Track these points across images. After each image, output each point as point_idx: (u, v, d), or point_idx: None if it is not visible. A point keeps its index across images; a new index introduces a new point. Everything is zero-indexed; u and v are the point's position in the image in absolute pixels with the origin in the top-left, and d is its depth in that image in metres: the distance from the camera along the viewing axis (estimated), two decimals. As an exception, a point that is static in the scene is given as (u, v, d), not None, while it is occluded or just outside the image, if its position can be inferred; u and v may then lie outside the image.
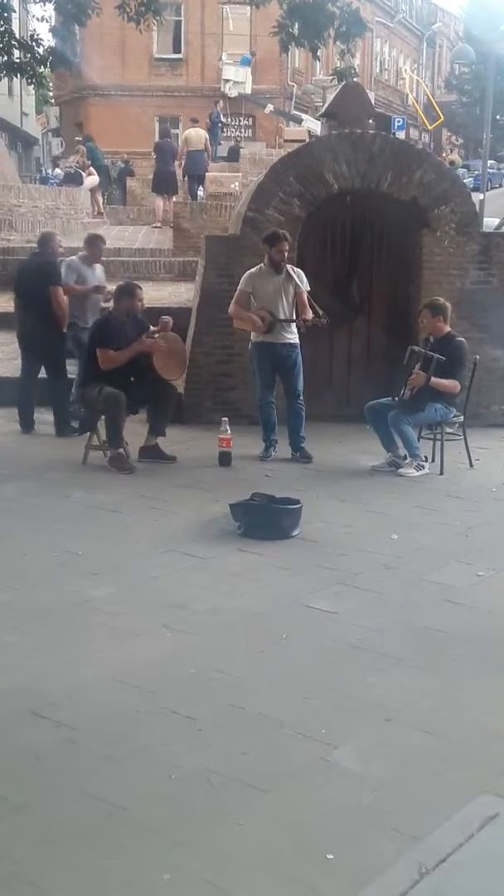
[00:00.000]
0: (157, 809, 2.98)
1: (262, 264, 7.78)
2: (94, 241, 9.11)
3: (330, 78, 14.14)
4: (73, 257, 8.98)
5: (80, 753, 3.31)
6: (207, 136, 20.61)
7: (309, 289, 7.71)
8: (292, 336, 7.74)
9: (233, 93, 34.79)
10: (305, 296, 7.65)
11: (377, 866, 2.71)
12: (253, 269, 7.82)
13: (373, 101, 20.14)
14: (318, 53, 12.17)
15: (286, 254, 7.73)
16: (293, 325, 7.71)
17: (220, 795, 3.07)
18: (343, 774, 3.21)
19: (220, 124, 26.82)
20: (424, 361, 7.31)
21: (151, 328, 7.61)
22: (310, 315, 7.61)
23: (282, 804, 3.03)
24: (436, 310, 7.54)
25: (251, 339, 7.85)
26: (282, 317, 7.64)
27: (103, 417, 7.39)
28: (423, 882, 2.63)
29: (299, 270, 7.81)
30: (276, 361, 7.77)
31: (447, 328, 7.57)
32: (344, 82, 11.43)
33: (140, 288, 7.80)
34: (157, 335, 7.52)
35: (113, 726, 3.48)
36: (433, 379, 7.25)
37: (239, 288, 7.80)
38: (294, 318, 7.68)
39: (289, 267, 7.74)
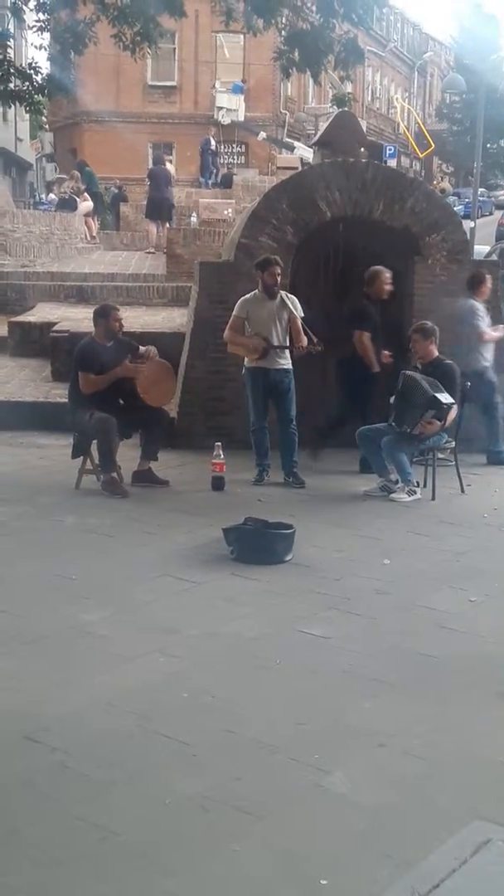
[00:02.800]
0: (151, 835, 2.98)
1: (256, 290, 7.84)
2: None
3: (329, 105, 14.32)
4: None
5: (73, 778, 3.30)
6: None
7: (303, 315, 7.77)
8: (285, 362, 7.79)
9: (226, 120, 35.07)
10: (299, 322, 7.70)
11: (371, 892, 2.71)
12: (247, 295, 7.87)
13: (365, 130, 20.38)
14: (315, 79, 12.31)
15: (279, 278, 7.79)
16: (287, 351, 7.76)
17: (213, 821, 3.07)
18: (336, 800, 3.22)
19: (210, 151, 26.98)
20: (436, 408, 7.27)
21: (141, 349, 7.63)
22: (304, 341, 7.67)
23: (275, 830, 3.04)
24: (426, 333, 7.61)
25: (245, 365, 7.90)
26: (275, 342, 7.70)
27: (95, 442, 7.41)
28: (416, 908, 2.64)
29: (293, 297, 7.87)
30: (269, 387, 7.81)
31: (436, 352, 7.64)
32: (338, 110, 11.57)
33: (116, 309, 7.79)
34: (142, 362, 7.53)
35: (106, 751, 3.48)
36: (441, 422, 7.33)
37: (233, 313, 7.86)
38: (288, 344, 7.73)
39: (283, 293, 7.80)
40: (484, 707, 3.96)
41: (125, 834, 2.98)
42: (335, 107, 11.65)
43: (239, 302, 7.86)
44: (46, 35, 12.67)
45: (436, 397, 7.24)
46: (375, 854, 2.90)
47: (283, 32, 11.36)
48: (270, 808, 3.14)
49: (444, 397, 7.25)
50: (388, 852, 2.90)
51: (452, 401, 7.32)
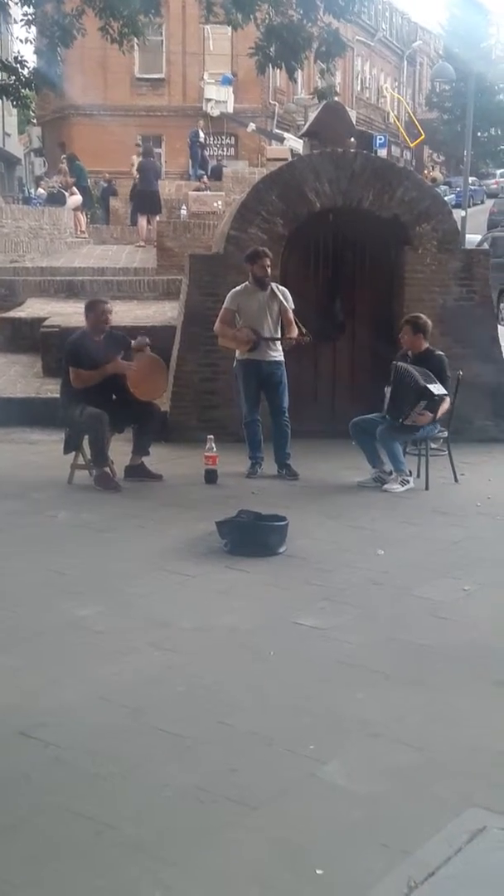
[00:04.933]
0: (147, 828, 2.99)
1: (246, 283, 7.82)
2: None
3: (311, 96, 14.26)
4: None
5: (68, 773, 3.30)
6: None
7: (293, 307, 7.76)
8: (277, 354, 7.78)
9: (215, 112, 35.01)
10: (290, 314, 7.69)
11: (367, 881, 2.72)
12: (238, 287, 7.86)
13: (354, 120, 20.35)
14: (297, 74, 12.24)
15: (269, 269, 7.77)
16: (278, 343, 7.75)
17: (209, 813, 3.07)
18: (332, 790, 3.22)
19: (198, 143, 26.88)
20: (428, 400, 7.28)
21: (134, 342, 7.61)
22: (294, 333, 7.66)
23: (271, 821, 3.04)
24: (417, 327, 7.60)
25: (236, 357, 7.89)
26: (266, 335, 7.69)
27: (87, 437, 7.40)
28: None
29: (284, 289, 7.86)
30: (261, 379, 7.81)
31: (426, 344, 7.64)
32: (325, 102, 11.54)
33: (104, 302, 7.75)
34: (135, 355, 7.52)
35: (101, 745, 3.48)
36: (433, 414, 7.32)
37: (224, 306, 7.84)
38: (279, 335, 7.73)
39: (273, 285, 7.79)
40: (478, 696, 3.97)
41: (121, 827, 2.98)
42: (317, 99, 11.59)
43: (229, 294, 7.85)
44: (33, 29, 12.61)
45: (427, 388, 7.24)
46: (371, 843, 2.91)
47: (261, 27, 11.29)
48: (266, 798, 3.15)
49: (437, 388, 7.26)
50: (383, 841, 2.91)
51: (444, 392, 7.32)
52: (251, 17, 10.99)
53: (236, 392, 8.09)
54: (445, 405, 7.44)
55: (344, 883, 2.74)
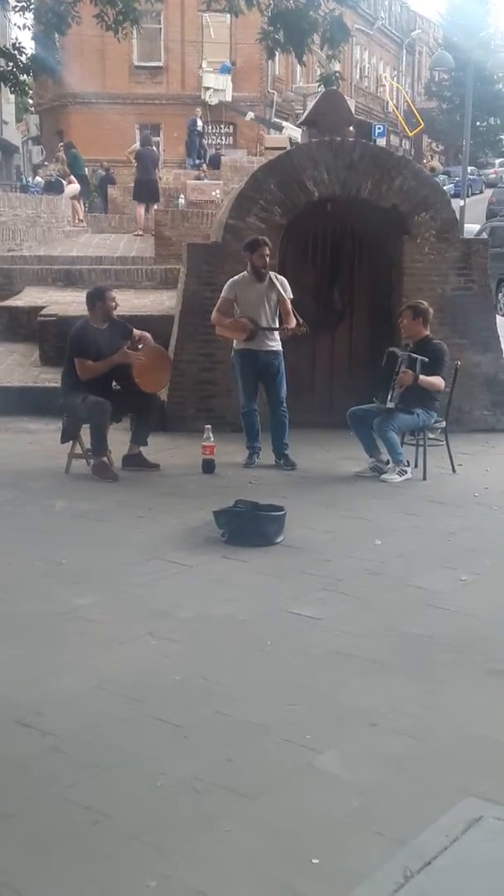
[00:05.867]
0: (143, 817, 2.99)
1: (245, 272, 7.80)
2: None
3: (317, 84, 14.20)
4: None
5: (65, 762, 3.31)
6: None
7: (292, 297, 7.74)
8: (275, 343, 7.76)
9: (213, 100, 34.88)
10: (288, 304, 7.67)
11: (363, 870, 2.73)
12: (236, 277, 7.83)
13: (353, 109, 20.27)
14: (299, 62, 12.23)
15: (267, 259, 7.73)
16: (276, 333, 7.73)
17: (205, 802, 3.07)
18: (328, 780, 3.23)
19: (196, 132, 26.76)
20: (409, 363, 7.34)
21: (135, 332, 7.59)
22: (293, 323, 7.64)
23: (267, 810, 3.05)
24: (417, 313, 7.58)
25: (234, 347, 7.87)
26: (263, 324, 7.67)
27: (86, 426, 7.39)
28: (408, 885, 2.65)
29: (283, 278, 7.83)
30: (258, 369, 7.79)
31: (426, 332, 7.62)
32: (325, 89, 11.48)
33: (110, 289, 7.74)
34: (139, 347, 7.50)
35: (98, 734, 3.49)
36: (421, 377, 7.29)
37: (222, 295, 7.82)
38: (276, 325, 7.70)
39: (272, 274, 7.76)
40: (475, 685, 3.98)
41: (118, 816, 2.98)
42: (322, 87, 11.56)
43: (227, 283, 7.83)
44: (30, 15, 12.55)
45: (393, 351, 7.35)
46: (368, 833, 2.91)
47: (266, 13, 11.27)
48: (263, 788, 3.15)
49: (419, 357, 7.28)
50: (380, 831, 2.92)
51: (425, 359, 7.30)
52: (255, 2, 10.95)
53: (234, 382, 8.08)
54: (437, 381, 7.40)
55: (340, 872, 2.74)
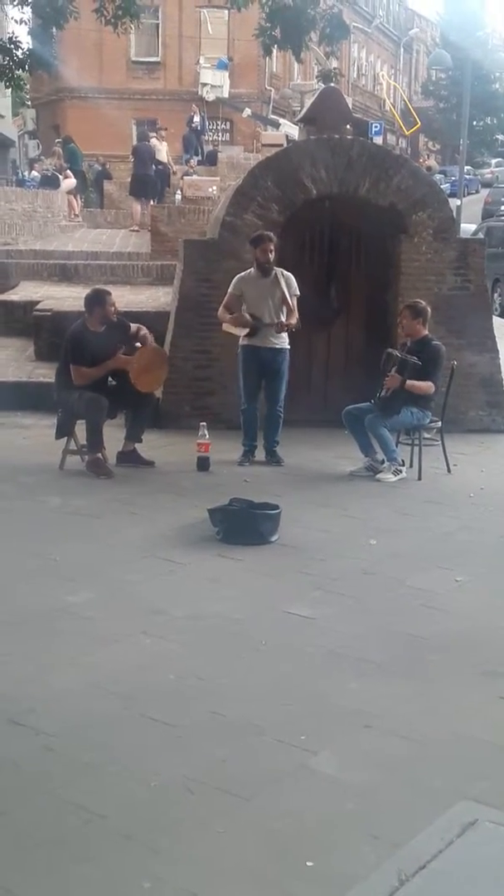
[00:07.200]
0: (136, 817, 2.97)
1: (251, 268, 7.77)
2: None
3: (315, 81, 14.22)
4: None
5: (58, 761, 3.29)
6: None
7: (298, 294, 7.69)
8: (279, 341, 7.71)
9: (210, 97, 34.80)
10: (290, 301, 7.62)
11: (357, 873, 2.71)
12: (243, 273, 7.79)
13: (350, 107, 20.21)
14: (297, 59, 12.24)
15: (272, 255, 7.69)
16: (283, 332, 7.68)
17: (199, 803, 3.05)
18: (323, 781, 3.21)
19: (193, 128, 26.70)
20: (400, 365, 7.34)
21: (132, 327, 7.55)
22: (294, 320, 7.61)
23: (261, 811, 3.03)
24: (417, 312, 7.56)
25: (239, 343, 7.83)
26: (266, 321, 7.63)
27: (81, 422, 7.35)
28: (402, 889, 2.63)
29: (289, 275, 7.73)
30: (261, 365, 7.76)
31: (425, 331, 7.60)
32: (323, 87, 11.48)
33: (109, 293, 7.67)
34: (136, 344, 7.46)
35: (91, 733, 3.47)
36: (408, 382, 7.28)
37: (229, 291, 7.78)
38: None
39: (279, 271, 7.71)
40: (470, 686, 3.96)
41: (111, 816, 2.97)
42: (321, 83, 11.56)
43: (234, 279, 7.79)
44: (27, 9, 12.49)
45: (391, 352, 7.31)
46: (362, 835, 2.90)
47: (265, 8, 11.24)
48: (256, 789, 3.13)
49: (411, 358, 7.26)
50: (374, 833, 2.90)
51: (417, 361, 7.28)
52: None
53: (235, 378, 8.04)
54: (424, 386, 7.37)
55: (334, 875, 2.73)
